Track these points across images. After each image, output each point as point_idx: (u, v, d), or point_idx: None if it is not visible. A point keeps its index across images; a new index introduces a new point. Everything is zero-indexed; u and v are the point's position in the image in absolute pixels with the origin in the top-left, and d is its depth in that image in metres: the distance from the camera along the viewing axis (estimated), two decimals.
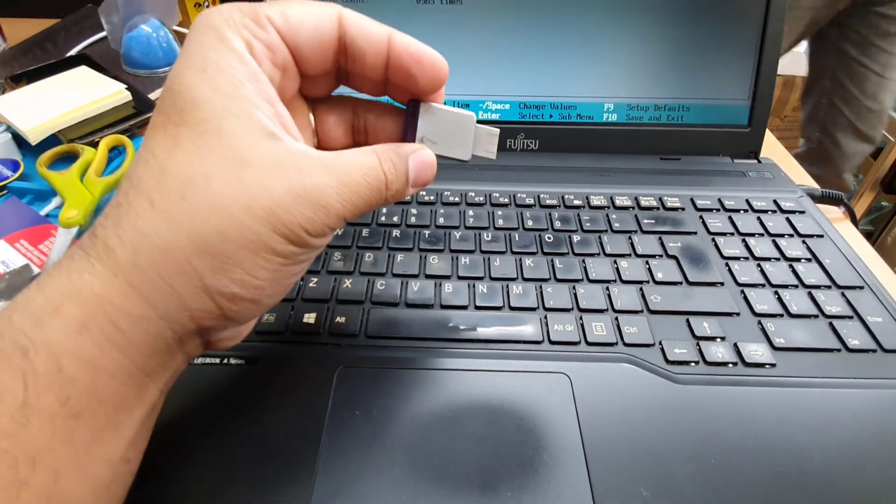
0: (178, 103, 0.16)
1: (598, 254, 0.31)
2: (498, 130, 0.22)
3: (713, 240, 0.32)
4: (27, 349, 0.14)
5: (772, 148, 0.46)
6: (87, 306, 0.15)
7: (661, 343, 0.26)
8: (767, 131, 0.41)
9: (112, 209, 0.16)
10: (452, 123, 0.21)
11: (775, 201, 0.35)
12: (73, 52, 0.59)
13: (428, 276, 0.30)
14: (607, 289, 0.29)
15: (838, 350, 0.26)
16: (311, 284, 0.29)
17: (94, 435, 0.15)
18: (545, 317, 0.27)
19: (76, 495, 0.15)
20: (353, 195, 0.18)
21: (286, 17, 0.17)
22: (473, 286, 0.29)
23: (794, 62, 1.35)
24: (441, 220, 0.33)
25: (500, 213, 0.34)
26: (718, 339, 0.26)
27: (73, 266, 0.15)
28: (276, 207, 0.16)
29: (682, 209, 0.35)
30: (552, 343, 0.26)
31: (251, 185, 0.16)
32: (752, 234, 0.33)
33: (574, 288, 0.29)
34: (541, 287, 0.29)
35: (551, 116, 0.39)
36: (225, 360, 0.25)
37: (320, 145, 0.22)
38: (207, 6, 0.63)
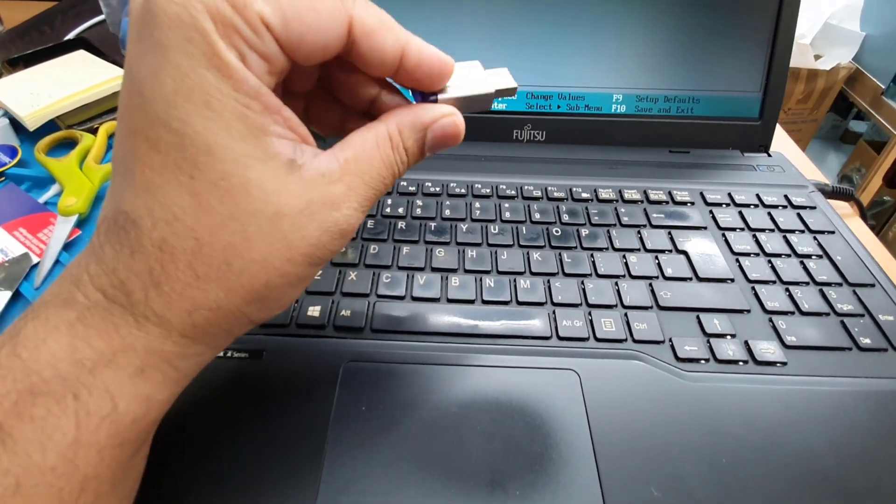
0: (187, 150, 0.15)
1: (607, 248, 0.31)
2: (516, 84, 0.20)
3: (723, 235, 0.32)
4: (79, 392, 0.15)
5: (781, 142, 0.46)
6: (144, 356, 0.16)
7: (671, 340, 0.26)
8: (777, 125, 0.40)
9: (142, 268, 0.15)
10: (473, 103, 0.20)
11: (786, 196, 0.35)
12: (70, 36, 0.58)
13: (434, 270, 0.29)
14: (616, 284, 0.29)
15: (849, 349, 0.26)
16: (315, 277, 0.28)
17: (134, 452, 0.16)
18: (553, 312, 0.27)
19: None
20: (369, 203, 0.18)
21: (286, 24, 0.15)
22: (480, 280, 0.29)
23: (800, 54, 1.34)
24: (447, 213, 0.33)
25: (506, 205, 0.34)
26: (729, 337, 0.26)
27: (118, 322, 0.15)
28: (313, 249, 0.16)
29: (692, 203, 0.34)
30: (560, 339, 0.26)
31: (289, 235, 0.16)
32: (763, 230, 0.32)
33: (582, 283, 0.28)
34: (549, 281, 0.28)
35: (559, 107, 0.39)
36: (228, 354, 0.24)
37: None
38: None
